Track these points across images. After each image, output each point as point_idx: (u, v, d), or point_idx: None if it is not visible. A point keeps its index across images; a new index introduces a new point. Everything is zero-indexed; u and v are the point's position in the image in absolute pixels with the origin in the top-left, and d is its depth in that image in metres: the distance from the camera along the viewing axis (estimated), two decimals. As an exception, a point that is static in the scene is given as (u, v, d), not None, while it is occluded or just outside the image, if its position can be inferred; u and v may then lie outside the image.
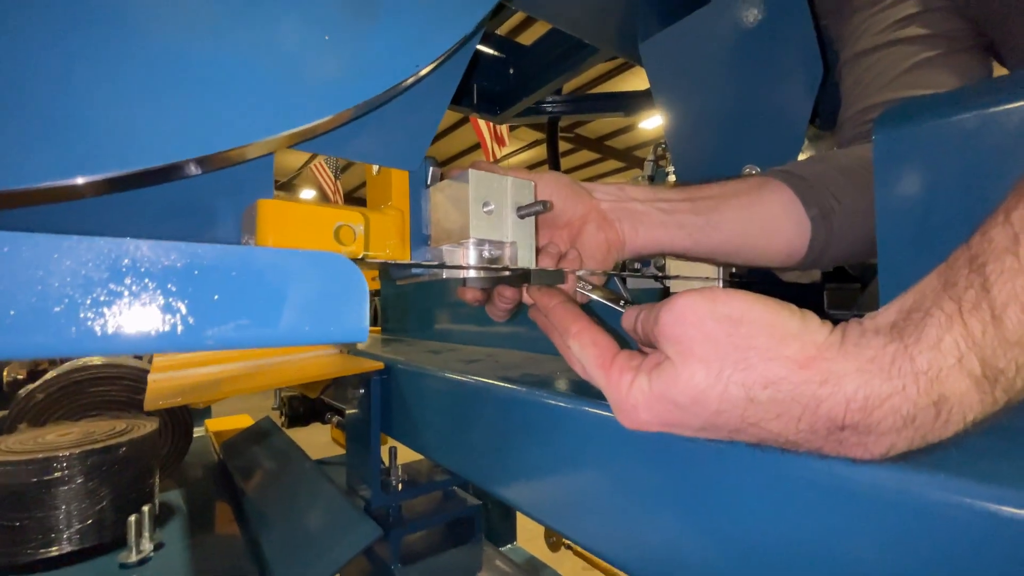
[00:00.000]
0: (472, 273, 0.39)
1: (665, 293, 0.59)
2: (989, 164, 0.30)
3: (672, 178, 0.91)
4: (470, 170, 0.37)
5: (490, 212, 0.38)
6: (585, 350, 0.32)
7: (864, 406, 0.22)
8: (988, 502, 0.20)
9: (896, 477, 0.23)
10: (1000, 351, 0.20)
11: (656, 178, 1.03)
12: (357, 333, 0.28)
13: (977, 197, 0.30)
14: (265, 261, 0.26)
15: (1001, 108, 0.30)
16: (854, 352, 0.23)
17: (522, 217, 0.39)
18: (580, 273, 0.43)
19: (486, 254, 0.38)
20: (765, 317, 0.25)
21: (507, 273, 0.40)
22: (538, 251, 0.43)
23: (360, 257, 0.33)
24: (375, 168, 0.42)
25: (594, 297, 0.43)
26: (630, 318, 0.33)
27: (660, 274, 0.58)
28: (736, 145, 0.71)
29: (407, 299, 1.09)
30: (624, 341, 0.35)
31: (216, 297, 0.24)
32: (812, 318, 0.26)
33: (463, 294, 0.43)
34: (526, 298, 0.42)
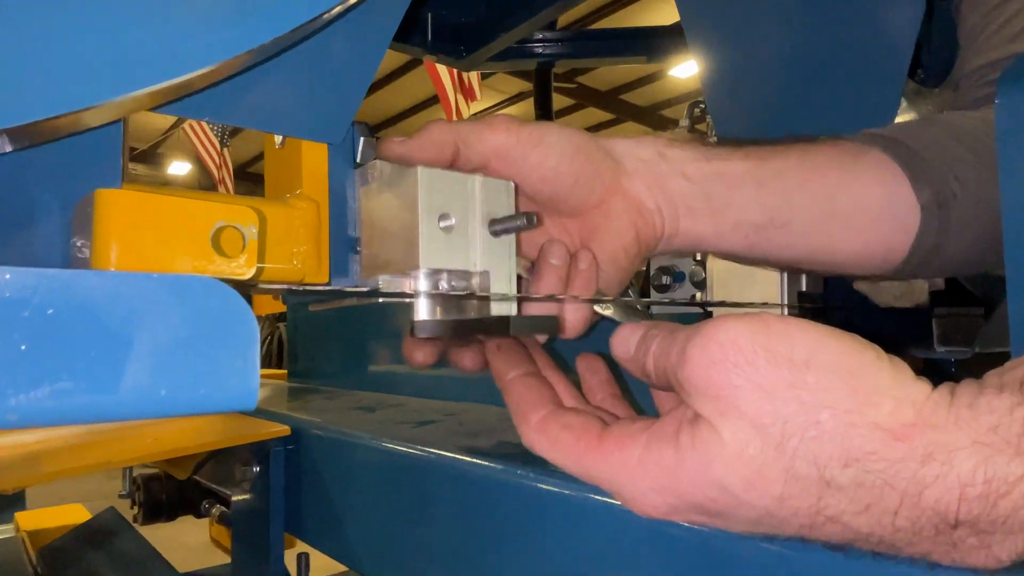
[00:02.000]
0: (423, 314, 0.39)
1: (702, 316, 0.61)
2: None
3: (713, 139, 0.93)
4: (419, 169, 0.38)
5: (449, 228, 0.38)
6: (556, 446, 0.33)
7: (985, 493, 0.23)
8: None
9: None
10: None
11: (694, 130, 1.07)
12: (240, 398, 0.28)
13: None
14: (99, 291, 0.25)
15: None
16: (969, 418, 0.24)
17: (497, 235, 0.40)
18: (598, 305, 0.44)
19: (443, 285, 0.39)
20: (843, 362, 0.26)
21: (473, 318, 0.41)
22: (528, 274, 0.44)
23: (250, 278, 0.33)
24: (278, 139, 0.43)
25: (607, 315, 0.45)
26: (629, 342, 0.34)
27: (697, 299, 0.61)
28: (803, 104, 0.72)
29: (326, 328, 1.09)
30: (622, 376, 0.35)
31: (23, 348, 0.24)
32: (904, 368, 0.26)
33: (410, 354, 0.44)
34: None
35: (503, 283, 0.41)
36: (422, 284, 0.39)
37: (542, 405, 0.36)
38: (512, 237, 0.42)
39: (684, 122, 1.08)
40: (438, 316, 0.39)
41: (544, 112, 1.56)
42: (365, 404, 0.81)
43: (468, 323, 0.41)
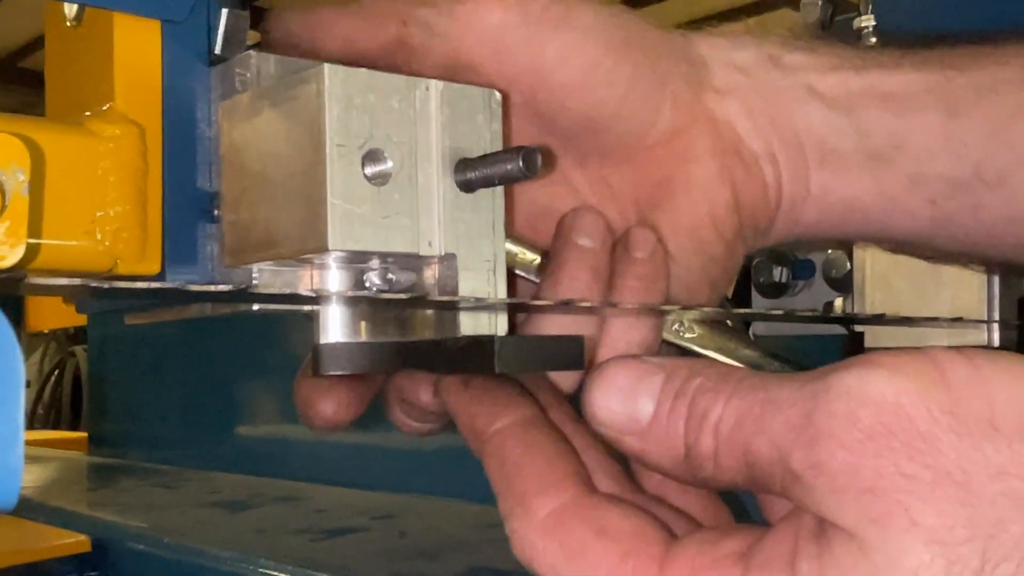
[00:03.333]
0: (333, 333, 0.34)
1: (853, 347, 0.52)
2: None
3: (871, 42, 0.76)
4: (326, 67, 0.31)
5: (383, 177, 0.32)
6: (578, 562, 0.26)
7: None
8: None
9: None
10: None
11: (834, 35, 0.83)
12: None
13: None
14: None
15: None
16: None
17: (470, 188, 0.33)
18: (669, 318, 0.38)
19: (374, 283, 0.34)
20: None
21: (427, 339, 0.35)
22: (536, 271, 0.37)
23: (14, 264, 0.28)
24: (70, 9, 0.35)
25: (682, 344, 0.38)
26: (634, 396, 0.26)
27: (837, 311, 0.51)
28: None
29: (157, 358, 1.00)
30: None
31: None
32: None
33: (311, 404, 0.36)
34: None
35: (481, 277, 0.34)
36: (332, 279, 0.33)
37: (558, 484, 0.27)
38: (498, 195, 0.34)
39: (812, 11, 0.82)
40: (362, 337, 0.34)
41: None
42: (228, 497, 0.72)
43: (417, 350, 0.34)
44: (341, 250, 0.30)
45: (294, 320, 0.37)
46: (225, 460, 0.88)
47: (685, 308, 0.37)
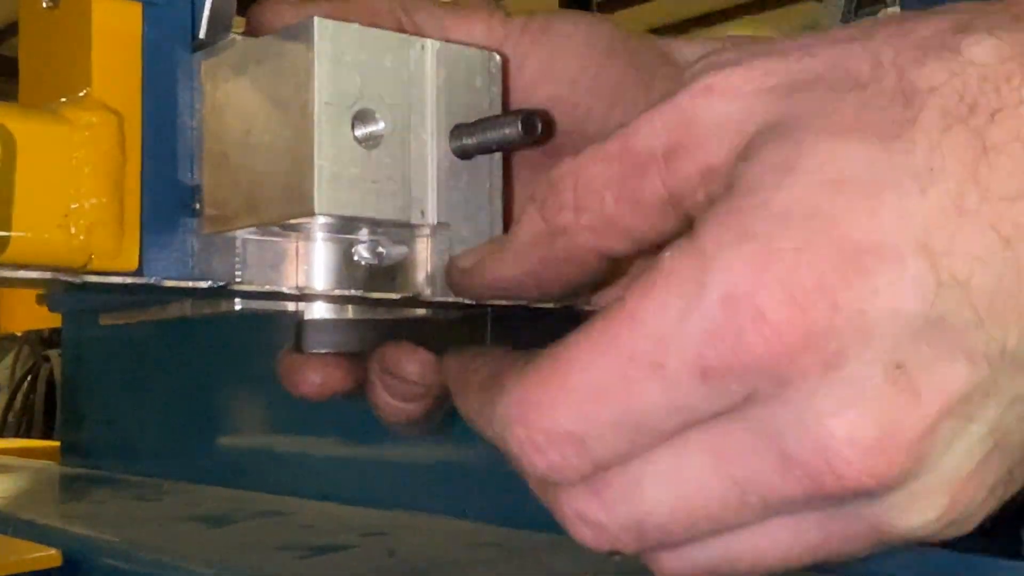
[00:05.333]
0: (319, 310, 0.34)
1: None
2: None
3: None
4: (316, 21, 0.31)
5: (374, 140, 0.31)
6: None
7: None
8: None
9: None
10: None
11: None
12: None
13: None
14: None
15: None
16: None
17: (466, 155, 0.33)
18: None
19: (363, 256, 0.33)
20: None
21: (423, 315, 0.37)
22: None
23: None
24: None
25: None
26: None
27: None
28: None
29: (133, 361, 0.96)
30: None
31: None
32: None
33: (296, 377, 0.37)
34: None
35: (471, 237, 0.34)
36: (319, 252, 0.32)
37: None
38: (496, 163, 0.33)
39: (835, 3, 0.77)
40: (349, 314, 0.34)
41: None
42: (209, 510, 0.69)
43: (405, 326, 0.35)
44: (328, 215, 0.29)
45: (280, 321, 0.37)
46: (206, 471, 0.87)
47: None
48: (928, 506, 0.21)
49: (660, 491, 0.23)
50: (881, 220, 0.19)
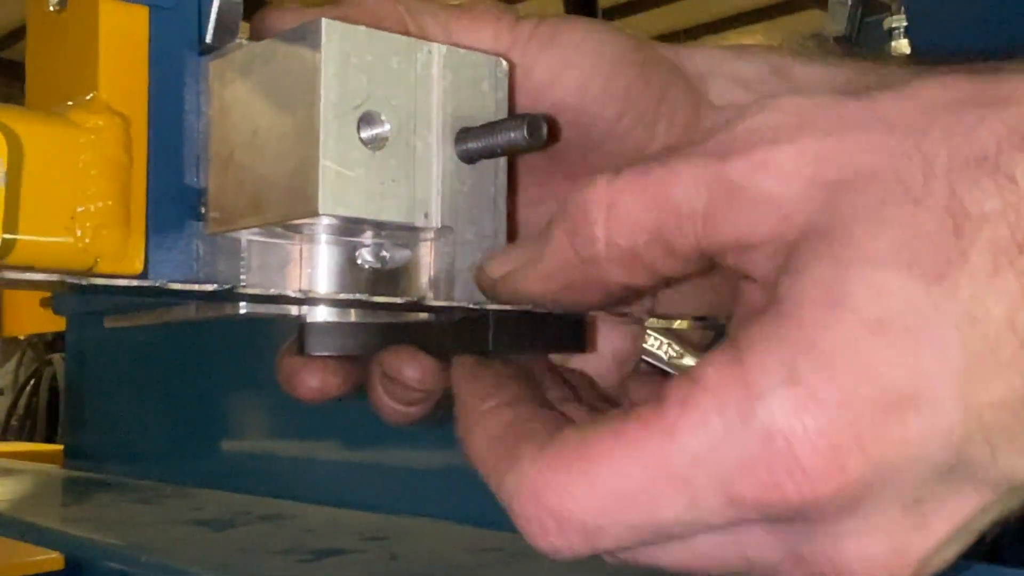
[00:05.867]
0: (322, 312, 0.34)
1: None
2: None
3: (902, 43, 0.77)
4: (324, 23, 0.30)
5: (379, 142, 0.31)
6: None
7: None
8: None
9: None
10: None
11: (863, 42, 0.83)
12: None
13: None
14: None
15: None
16: None
17: (471, 159, 0.33)
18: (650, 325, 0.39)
19: (366, 260, 0.33)
20: None
21: (425, 318, 0.36)
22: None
23: None
24: None
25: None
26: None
27: None
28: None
29: (137, 365, 0.96)
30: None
31: None
32: None
33: (292, 379, 0.37)
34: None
35: (481, 255, 0.33)
36: (322, 255, 0.32)
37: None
38: (500, 168, 0.33)
39: (841, 11, 0.75)
40: (352, 317, 0.34)
41: (581, 5, 1.24)
42: (211, 514, 0.70)
43: (407, 330, 0.35)
44: (332, 215, 0.29)
45: (283, 325, 0.36)
46: (208, 475, 0.87)
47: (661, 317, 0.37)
48: None
49: (668, 556, 0.25)
50: (921, 370, 0.20)
